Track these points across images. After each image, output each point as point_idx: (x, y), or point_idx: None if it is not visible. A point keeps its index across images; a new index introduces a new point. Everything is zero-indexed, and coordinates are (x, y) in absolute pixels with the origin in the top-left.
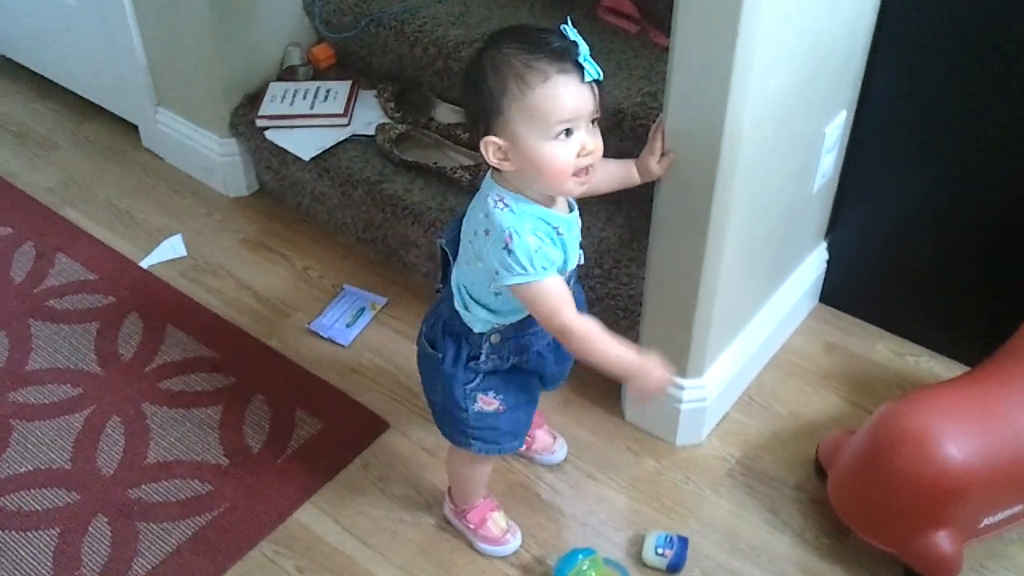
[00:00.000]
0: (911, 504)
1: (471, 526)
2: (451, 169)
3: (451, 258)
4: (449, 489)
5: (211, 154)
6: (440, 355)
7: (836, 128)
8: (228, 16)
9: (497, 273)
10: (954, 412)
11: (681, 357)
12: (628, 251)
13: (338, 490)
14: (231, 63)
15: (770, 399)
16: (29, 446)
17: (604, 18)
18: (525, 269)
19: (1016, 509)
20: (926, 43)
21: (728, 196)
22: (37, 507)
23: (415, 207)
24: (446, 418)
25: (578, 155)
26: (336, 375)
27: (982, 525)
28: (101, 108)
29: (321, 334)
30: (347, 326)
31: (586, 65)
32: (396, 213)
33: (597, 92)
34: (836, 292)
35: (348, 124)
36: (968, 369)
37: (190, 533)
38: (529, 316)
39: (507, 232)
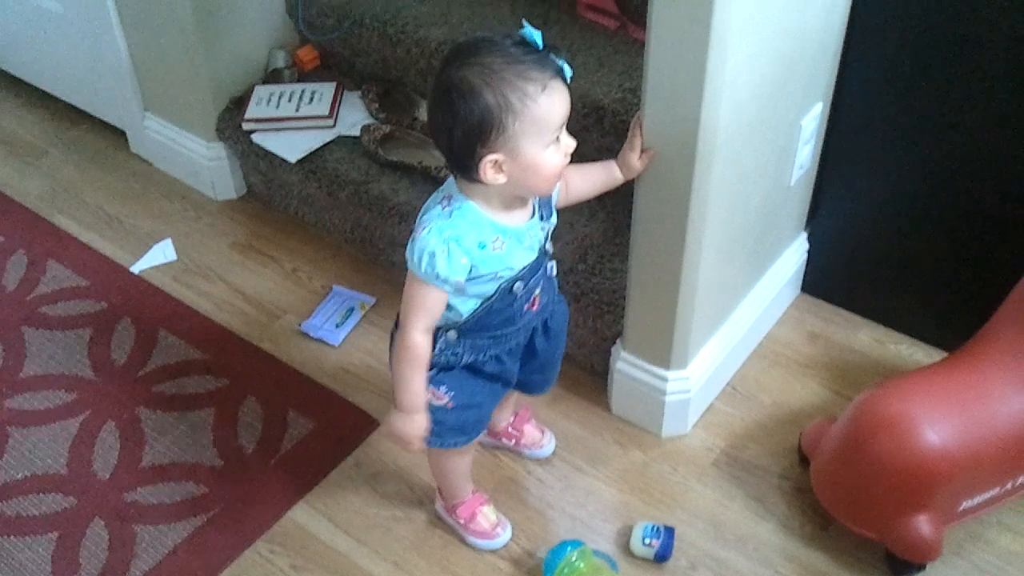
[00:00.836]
0: (890, 490)
1: (461, 521)
2: (436, 168)
3: None
4: (439, 487)
5: (199, 158)
6: (393, 349)
7: (812, 120)
8: (212, 20)
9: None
10: (931, 398)
11: (665, 349)
12: (611, 246)
13: (331, 489)
14: (216, 67)
15: (754, 389)
16: (25, 452)
17: (584, 15)
18: (414, 260)
19: (994, 492)
20: (900, 34)
21: (706, 189)
22: (35, 512)
23: (401, 207)
24: None
25: (564, 155)
26: (327, 375)
27: (961, 508)
28: (89, 114)
29: (311, 335)
30: (337, 326)
31: (565, 69)
32: (383, 213)
33: None
34: (817, 282)
35: (333, 125)
36: (948, 355)
37: (186, 534)
38: (488, 318)
39: (424, 226)
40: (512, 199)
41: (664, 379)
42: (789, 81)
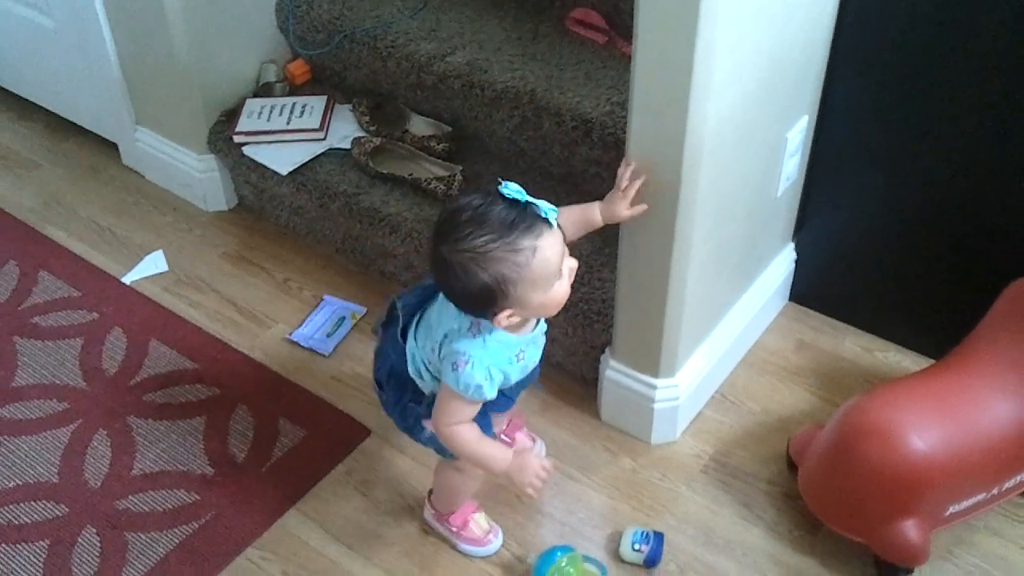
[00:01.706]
0: (878, 495)
1: (454, 529)
2: (426, 180)
3: (401, 324)
4: (429, 495)
5: (190, 171)
6: (387, 395)
7: (798, 133)
8: (204, 35)
9: (441, 371)
10: (918, 404)
11: (653, 357)
12: (600, 256)
13: (322, 496)
14: (208, 81)
15: (742, 396)
16: (17, 461)
17: (573, 29)
18: (459, 388)
19: (981, 497)
20: (884, 48)
21: (693, 200)
22: (27, 520)
23: (392, 218)
24: (412, 437)
25: (569, 279)
26: (318, 384)
27: (948, 513)
28: (81, 127)
29: (302, 344)
30: (328, 336)
31: (549, 216)
32: (373, 224)
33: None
34: (805, 291)
35: (324, 138)
36: (934, 362)
37: (177, 542)
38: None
39: (464, 357)
40: (529, 320)
41: (653, 387)
42: (774, 95)
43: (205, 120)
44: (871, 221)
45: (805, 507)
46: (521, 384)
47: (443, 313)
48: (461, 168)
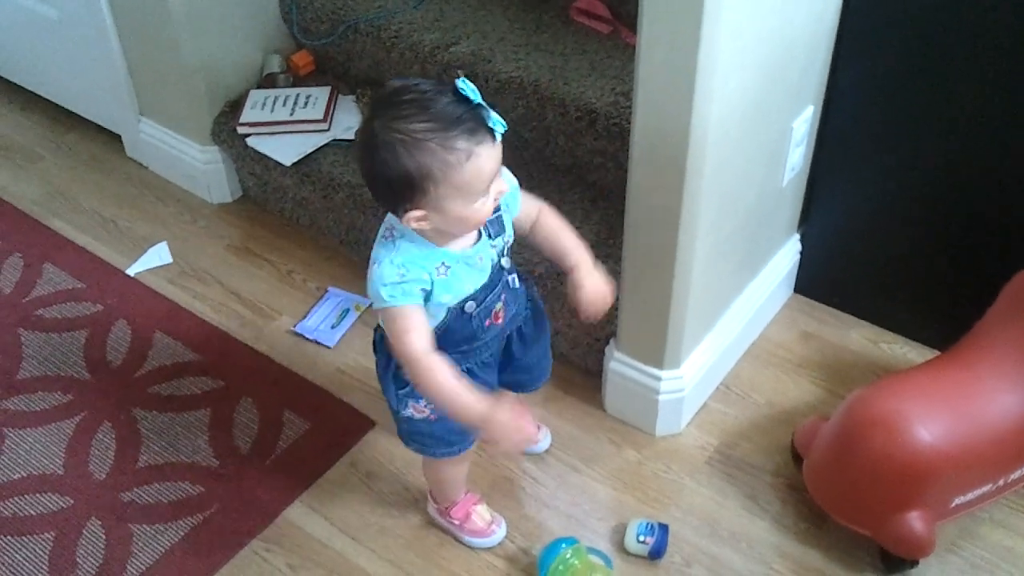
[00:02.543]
0: (883, 487)
1: (456, 522)
2: None
3: None
4: (430, 490)
5: (194, 162)
6: (379, 358)
7: (804, 122)
8: (208, 26)
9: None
10: (923, 396)
11: (658, 349)
12: (605, 247)
13: (327, 488)
14: (212, 72)
15: (747, 388)
16: (22, 453)
17: (577, 19)
18: (379, 296)
19: (986, 488)
20: (890, 36)
21: (698, 191)
22: (32, 512)
23: None
24: (392, 416)
25: (494, 201)
26: (322, 376)
27: (953, 505)
28: (84, 119)
29: (307, 336)
30: (332, 327)
31: (496, 127)
32: (377, 215)
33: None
34: (810, 282)
35: (328, 129)
36: (939, 354)
37: (183, 533)
38: (449, 337)
39: (375, 262)
40: (445, 234)
41: (658, 379)
42: (780, 84)
43: (209, 111)
44: (877, 212)
45: (810, 499)
46: (525, 373)
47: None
48: None
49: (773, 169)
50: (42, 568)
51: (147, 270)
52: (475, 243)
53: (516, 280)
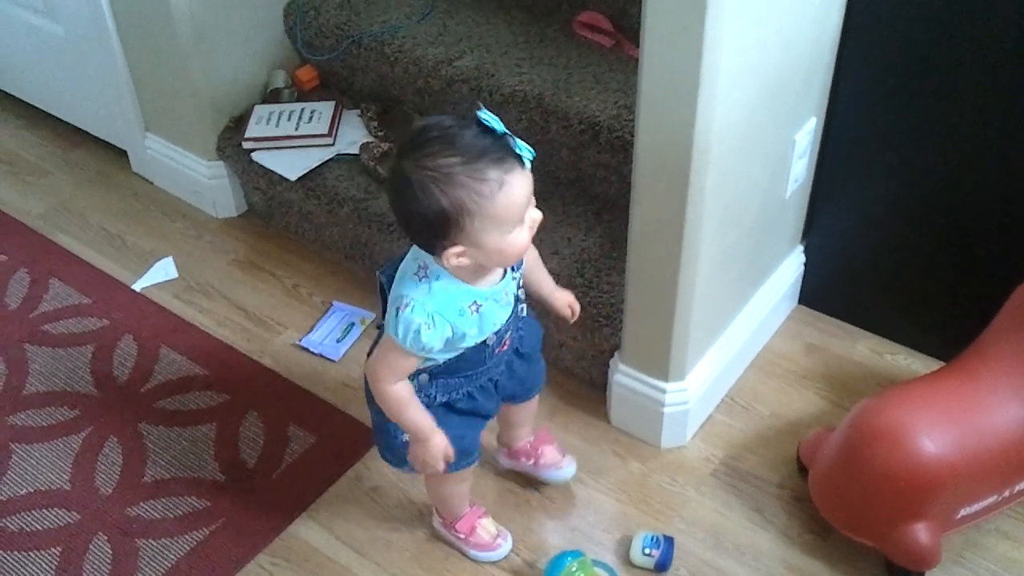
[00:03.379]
0: (888, 498)
1: (461, 535)
2: None
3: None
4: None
5: (200, 177)
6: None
7: (806, 134)
8: (212, 41)
9: (386, 320)
10: (928, 407)
11: (662, 361)
12: (608, 260)
13: (332, 502)
14: (216, 87)
15: (752, 400)
16: (29, 468)
17: (580, 33)
18: (398, 335)
19: (992, 500)
20: (892, 48)
21: (701, 203)
22: (38, 527)
23: None
24: (380, 436)
25: (530, 230)
26: (327, 390)
27: (959, 516)
28: (90, 135)
29: (312, 350)
30: (337, 341)
31: (524, 154)
32: (382, 229)
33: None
34: (815, 294)
35: (333, 144)
36: (944, 365)
37: (188, 548)
38: (460, 360)
39: (406, 300)
40: (482, 268)
41: (662, 391)
42: (782, 96)
43: (214, 126)
44: (880, 223)
45: (815, 511)
46: (518, 380)
47: (404, 264)
48: None
49: (776, 181)
50: None
51: (153, 285)
52: (502, 279)
53: (525, 309)
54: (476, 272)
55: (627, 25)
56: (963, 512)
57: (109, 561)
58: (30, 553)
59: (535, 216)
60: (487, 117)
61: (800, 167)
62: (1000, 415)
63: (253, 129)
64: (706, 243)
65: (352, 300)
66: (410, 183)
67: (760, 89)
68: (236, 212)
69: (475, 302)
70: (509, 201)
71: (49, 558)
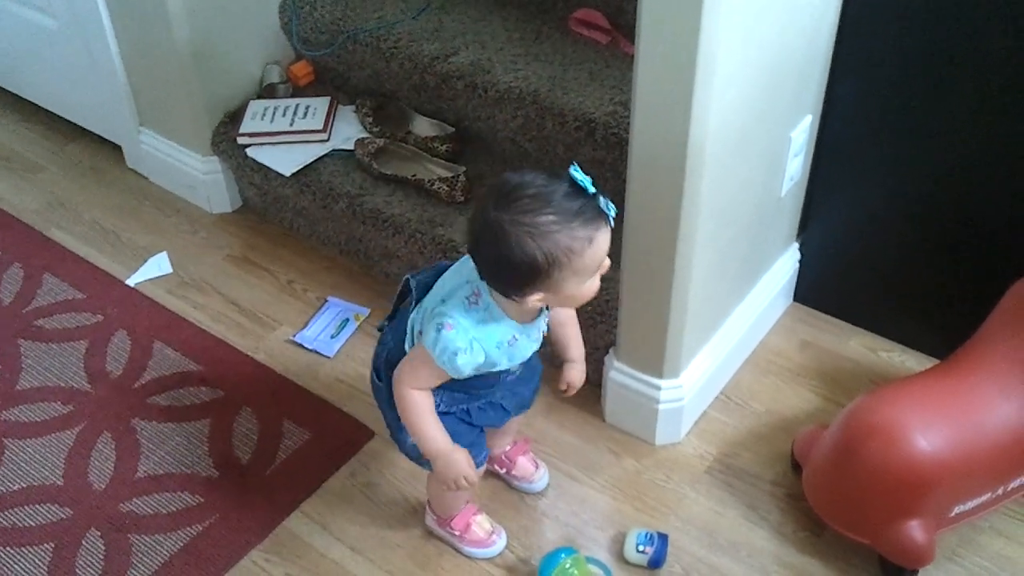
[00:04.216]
0: (882, 496)
1: (456, 532)
2: (429, 181)
3: (413, 299)
4: (429, 501)
5: (194, 172)
6: (383, 385)
7: (802, 132)
8: (207, 36)
9: (421, 331)
10: (922, 405)
11: (657, 358)
12: None
13: (326, 498)
14: (211, 83)
15: (747, 397)
16: (22, 463)
17: (575, 30)
18: (435, 351)
19: (986, 497)
20: (888, 46)
21: (696, 201)
22: (31, 523)
23: (395, 219)
24: (395, 436)
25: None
26: (322, 385)
27: (953, 514)
28: (84, 130)
29: (306, 346)
30: (331, 337)
31: (610, 212)
32: (377, 225)
33: None
34: (810, 291)
35: (328, 139)
36: (938, 362)
37: (182, 544)
38: (473, 382)
39: (452, 320)
40: (528, 311)
41: (657, 388)
42: (778, 94)
43: (209, 122)
44: (875, 221)
45: (809, 508)
46: (516, 400)
47: (449, 281)
48: (465, 169)
49: (772, 178)
50: None
51: (147, 280)
52: (537, 316)
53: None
54: (521, 308)
55: (623, 22)
56: (957, 509)
57: (102, 557)
58: (23, 549)
59: (606, 264)
60: (580, 177)
61: (795, 165)
62: (994, 412)
63: (248, 124)
64: (701, 240)
65: (346, 296)
66: (507, 235)
67: (756, 86)
68: (231, 207)
69: (514, 336)
70: (595, 256)
71: (42, 554)
